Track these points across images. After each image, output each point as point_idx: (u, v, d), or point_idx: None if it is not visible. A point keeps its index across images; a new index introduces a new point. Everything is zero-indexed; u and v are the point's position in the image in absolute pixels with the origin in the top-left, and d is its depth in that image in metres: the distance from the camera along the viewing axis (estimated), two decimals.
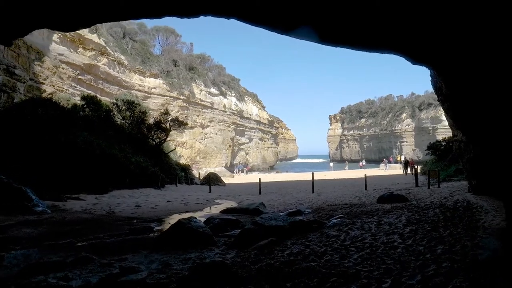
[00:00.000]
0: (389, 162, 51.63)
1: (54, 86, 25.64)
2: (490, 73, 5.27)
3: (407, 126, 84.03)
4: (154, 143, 25.82)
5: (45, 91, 24.24)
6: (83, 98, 24.19)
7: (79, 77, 29.38)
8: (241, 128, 62.60)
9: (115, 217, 10.26)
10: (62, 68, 27.19)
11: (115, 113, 25.34)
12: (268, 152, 77.80)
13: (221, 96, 54.89)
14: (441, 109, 11.20)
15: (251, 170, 59.46)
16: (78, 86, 29.18)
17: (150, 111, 30.57)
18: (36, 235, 7.04)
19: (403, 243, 5.08)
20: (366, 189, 16.58)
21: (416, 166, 25.14)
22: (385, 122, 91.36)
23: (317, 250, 5.05)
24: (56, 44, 26.60)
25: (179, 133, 36.90)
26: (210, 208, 13.05)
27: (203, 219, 8.22)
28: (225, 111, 55.29)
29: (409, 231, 5.82)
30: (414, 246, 4.90)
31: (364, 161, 63.08)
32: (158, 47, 49.53)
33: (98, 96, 28.46)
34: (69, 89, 27.61)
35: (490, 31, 4.75)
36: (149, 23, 76.12)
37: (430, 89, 22.28)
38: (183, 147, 43.92)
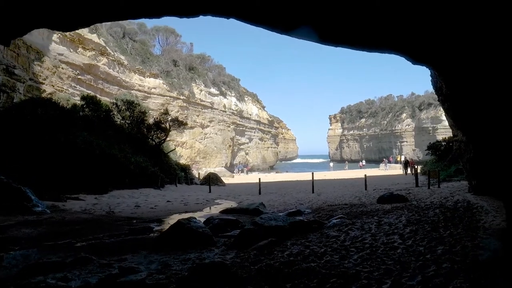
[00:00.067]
0: (389, 162, 51.62)
1: (53, 86, 25.63)
2: (490, 73, 5.26)
3: (407, 126, 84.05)
4: (154, 143, 25.81)
5: (44, 91, 24.23)
6: (83, 98, 24.19)
7: (79, 77, 29.37)
8: (241, 128, 62.60)
9: (115, 217, 10.25)
10: (62, 68, 27.18)
11: (115, 113, 25.33)
12: (268, 152, 77.81)
13: (221, 96, 54.89)
14: (441, 109, 11.19)
15: (251, 170, 59.46)
16: (78, 86, 29.18)
17: (150, 111, 30.56)
18: (35, 235, 7.02)
19: (403, 244, 5.07)
20: (366, 189, 16.57)
21: (416, 166, 25.15)
22: (385, 122, 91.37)
23: (317, 250, 5.04)
24: (56, 44, 26.59)
25: (179, 133, 36.90)
26: (210, 208, 13.04)
27: (202, 219, 8.20)
28: (225, 111, 55.29)
29: (409, 232, 5.80)
30: (414, 246, 4.88)
31: (364, 161, 63.07)
32: (158, 47, 49.65)
33: (98, 96, 28.45)
34: (69, 89, 27.59)
35: (490, 31, 4.74)
36: (149, 23, 76.31)
37: (430, 89, 22.31)
38: (183, 147, 43.92)
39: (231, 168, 53.02)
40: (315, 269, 4.12)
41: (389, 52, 6.44)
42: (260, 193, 18.24)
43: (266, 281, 3.87)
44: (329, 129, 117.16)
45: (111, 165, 17.16)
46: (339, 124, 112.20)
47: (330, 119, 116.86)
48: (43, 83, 24.51)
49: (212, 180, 24.10)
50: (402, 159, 44.86)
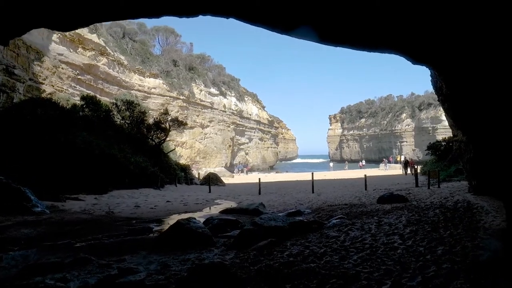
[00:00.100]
0: (389, 162, 51.60)
1: (53, 86, 25.62)
2: (490, 73, 5.25)
3: (407, 126, 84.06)
4: (154, 143, 25.79)
5: (44, 91, 24.21)
6: (83, 98, 24.17)
7: (78, 77, 29.36)
8: (241, 128, 62.59)
9: (114, 217, 10.23)
10: (62, 68, 27.17)
11: (115, 113, 25.32)
12: (268, 152, 77.80)
13: (221, 96, 54.88)
14: (441, 109, 11.18)
15: (251, 170, 59.44)
16: (77, 86, 29.17)
17: (149, 111, 30.55)
18: (34, 235, 7.01)
19: (403, 244, 5.05)
20: (366, 189, 16.55)
21: (416, 166, 25.11)
22: (385, 122, 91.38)
23: (317, 251, 5.03)
24: (55, 44, 26.58)
25: (179, 133, 36.89)
26: (210, 208, 13.03)
27: (202, 220, 8.19)
28: (225, 111, 55.27)
29: (409, 232, 5.79)
30: (414, 247, 4.87)
31: (364, 161, 63.02)
32: (158, 47, 49.67)
33: (98, 96, 28.45)
34: (69, 89, 27.59)
35: (490, 31, 4.72)
36: (149, 23, 76.29)
37: (430, 89, 22.29)
38: (183, 147, 43.91)
39: (231, 168, 53.01)
40: (314, 269, 4.11)
41: (389, 52, 6.43)
42: (260, 193, 18.22)
43: (266, 281, 3.86)
44: (329, 129, 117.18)
45: (110, 165, 17.14)
46: (339, 124, 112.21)
47: (330, 119, 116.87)
48: (43, 83, 24.50)
49: (212, 180, 24.08)
50: (402, 159, 44.82)
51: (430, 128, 75.28)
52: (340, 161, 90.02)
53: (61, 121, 16.83)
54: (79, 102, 23.77)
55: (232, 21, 5.85)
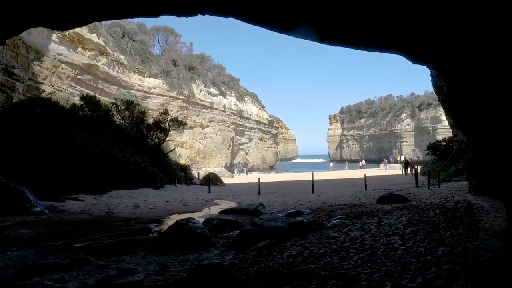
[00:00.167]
0: (389, 162, 51.58)
1: (53, 86, 25.59)
2: (490, 73, 5.22)
3: (407, 126, 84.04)
4: (154, 143, 25.77)
5: (44, 91, 24.19)
6: (82, 98, 24.15)
7: (78, 77, 29.33)
8: (241, 128, 62.57)
9: (114, 217, 10.21)
10: (61, 68, 27.14)
11: (114, 113, 25.29)
12: (268, 152, 77.78)
13: (220, 96, 54.86)
14: (441, 109, 11.16)
15: (251, 170, 59.43)
16: (77, 86, 29.14)
17: (149, 111, 30.54)
18: (33, 236, 6.99)
19: (404, 245, 5.03)
20: (366, 189, 16.53)
21: (416, 166, 25.10)
22: (385, 122, 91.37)
23: (317, 251, 5.00)
24: (55, 44, 26.55)
25: (179, 133, 36.87)
26: (209, 208, 13.01)
27: (202, 220, 8.17)
28: (225, 111, 55.25)
29: (410, 232, 5.76)
30: (414, 247, 4.84)
31: (364, 161, 63.02)
32: (157, 47, 49.64)
33: (97, 96, 28.41)
34: (68, 89, 27.56)
35: (490, 30, 4.70)
36: (149, 23, 76.29)
37: (430, 89, 22.27)
38: (183, 147, 43.88)
39: (230, 168, 52.98)
40: (314, 270, 4.08)
41: (389, 52, 6.41)
42: (259, 193, 18.20)
43: (265, 282, 3.83)
44: (329, 129, 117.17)
45: (110, 165, 17.12)
46: (339, 124, 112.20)
47: (330, 119, 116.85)
48: (42, 83, 24.47)
49: (211, 180, 24.06)
50: (402, 159, 44.80)
51: (430, 128, 75.27)
52: (340, 161, 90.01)
53: (60, 121, 16.80)
54: (78, 102, 23.74)
55: (232, 21, 5.81)
